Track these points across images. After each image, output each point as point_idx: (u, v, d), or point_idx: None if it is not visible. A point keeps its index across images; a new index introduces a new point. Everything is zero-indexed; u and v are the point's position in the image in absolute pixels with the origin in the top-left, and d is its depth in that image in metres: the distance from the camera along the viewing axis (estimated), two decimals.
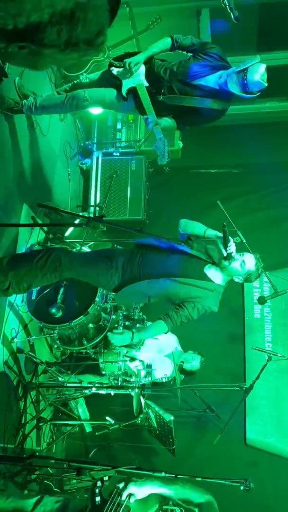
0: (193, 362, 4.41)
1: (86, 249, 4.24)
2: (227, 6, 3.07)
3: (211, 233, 3.26)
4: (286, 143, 5.61)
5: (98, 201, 5.31)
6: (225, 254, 3.15)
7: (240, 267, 3.19)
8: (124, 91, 3.50)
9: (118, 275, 3.29)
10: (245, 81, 3.15)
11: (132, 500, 2.48)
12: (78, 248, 4.20)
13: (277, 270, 4.88)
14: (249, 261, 3.21)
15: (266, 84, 3.20)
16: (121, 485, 2.49)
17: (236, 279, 3.30)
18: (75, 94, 3.68)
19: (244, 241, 3.59)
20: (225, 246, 3.12)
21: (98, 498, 2.50)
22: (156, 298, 3.40)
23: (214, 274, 3.29)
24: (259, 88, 3.21)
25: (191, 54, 3.43)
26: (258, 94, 3.26)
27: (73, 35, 1.09)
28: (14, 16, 1.00)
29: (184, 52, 3.47)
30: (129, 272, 3.28)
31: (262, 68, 3.15)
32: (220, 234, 3.16)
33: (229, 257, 3.15)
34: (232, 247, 3.14)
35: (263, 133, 5.66)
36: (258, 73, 3.13)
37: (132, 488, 2.50)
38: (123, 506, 2.42)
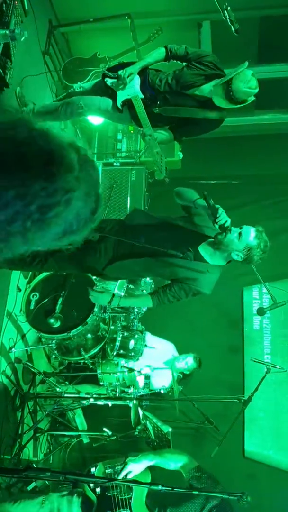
0: (188, 361, 4.35)
1: None
2: (228, 19, 3.08)
3: (202, 203, 2.95)
4: (286, 155, 5.63)
5: None
6: (216, 227, 2.83)
7: (238, 239, 2.82)
8: (119, 102, 3.46)
9: (107, 257, 3.08)
10: (231, 92, 3.07)
11: (130, 476, 2.67)
12: None
13: (277, 281, 4.87)
14: (248, 232, 2.85)
15: (254, 91, 3.08)
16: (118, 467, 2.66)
17: (235, 256, 2.90)
18: (69, 101, 3.68)
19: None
20: (214, 219, 2.81)
21: (98, 489, 2.79)
22: (146, 275, 3.25)
23: (208, 253, 2.99)
24: (249, 96, 3.09)
25: (185, 63, 3.38)
26: (253, 99, 3.14)
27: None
28: None
29: (179, 62, 3.41)
30: (119, 252, 3.08)
31: (248, 74, 3.05)
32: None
33: (223, 229, 2.83)
34: (223, 218, 2.81)
35: (263, 145, 5.69)
36: (243, 80, 3.03)
37: (130, 466, 2.71)
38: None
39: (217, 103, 3.20)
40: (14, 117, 0.96)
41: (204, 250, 3.00)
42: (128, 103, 3.44)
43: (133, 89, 3.39)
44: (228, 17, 3.06)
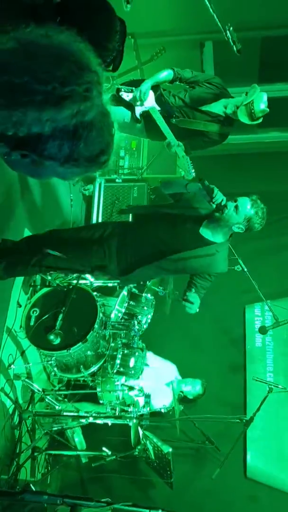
0: (196, 387, 4.36)
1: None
2: (230, 39, 3.12)
3: (193, 188, 3.17)
4: (287, 172, 5.66)
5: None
6: (213, 206, 2.99)
7: (235, 212, 2.97)
8: (138, 113, 3.66)
9: (114, 263, 3.19)
10: (252, 110, 3.42)
11: None
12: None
13: (279, 299, 4.84)
14: (244, 203, 3.00)
15: (268, 110, 3.48)
16: None
17: (236, 229, 3.05)
18: None
19: (245, 269, 3.56)
20: (211, 198, 2.98)
21: None
22: (162, 275, 3.38)
23: (212, 232, 3.12)
24: (263, 114, 3.49)
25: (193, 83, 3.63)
26: (261, 120, 3.53)
27: (74, 150, 1.10)
28: (14, 124, 1.01)
29: (182, 84, 3.66)
30: (124, 257, 3.19)
31: (265, 97, 3.46)
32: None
33: (220, 208, 2.98)
34: (219, 197, 2.99)
35: (266, 163, 5.71)
36: (263, 102, 3.44)
37: None
38: None
39: (242, 120, 3.52)
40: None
41: (205, 231, 3.12)
42: (145, 115, 3.64)
43: (150, 101, 3.60)
44: (230, 37, 3.09)
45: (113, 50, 1.83)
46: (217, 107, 3.59)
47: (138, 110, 3.64)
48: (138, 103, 3.59)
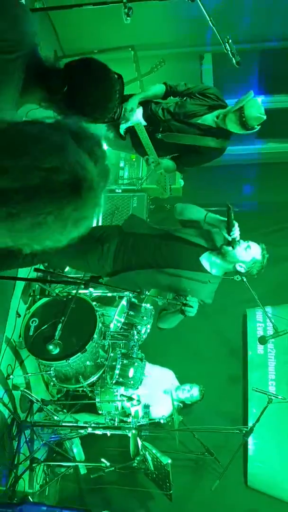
0: (194, 393, 4.33)
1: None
2: (229, 52, 3.14)
3: (213, 217, 3.10)
4: (286, 183, 5.68)
5: None
6: (229, 239, 2.95)
7: (245, 252, 2.99)
8: (122, 130, 3.48)
9: (109, 262, 3.13)
10: (244, 118, 3.17)
11: None
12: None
13: (279, 305, 4.84)
14: (255, 247, 3.02)
15: (265, 117, 3.21)
16: None
17: (239, 268, 3.04)
18: None
19: (244, 279, 3.56)
20: (229, 231, 2.93)
21: None
22: (147, 289, 3.31)
23: (212, 263, 3.10)
24: (259, 121, 3.22)
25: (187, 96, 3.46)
26: (258, 128, 3.27)
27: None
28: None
29: (177, 98, 3.49)
30: (121, 259, 3.14)
31: (258, 102, 3.19)
32: (223, 218, 2.98)
33: (233, 242, 2.95)
34: (236, 232, 2.95)
35: (264, 173, 5.74)
36: (255, 107, 3.17)
37: None
38: None
39: (231, 129, 3.30)
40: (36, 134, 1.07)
41: (206, 260, 3.10)
42: (130, 131, 3.46)
43: (135, 117, 3.40)
44: (229, 49, 3.12)
45: (114, 107, 1.96)
46: (209, 119, 3.37)
47: (122, 127, 3.42)
48: (123, 121, 3.37)
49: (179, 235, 3.18)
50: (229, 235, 2.93)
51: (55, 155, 1.04)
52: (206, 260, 3.11)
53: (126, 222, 3.40)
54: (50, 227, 1.04)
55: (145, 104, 3.44)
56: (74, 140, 1.09)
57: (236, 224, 2.95)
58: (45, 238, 1.07)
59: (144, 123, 3.38)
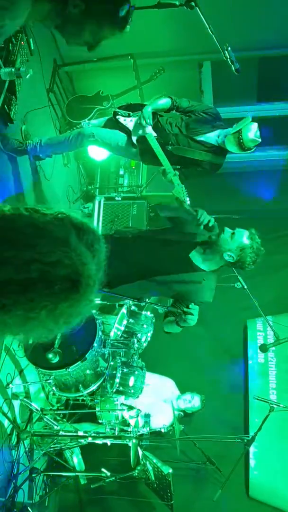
0: (194, 401, 4.31)
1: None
2: (228, 59, 3.17)
3: (182, 212, 3.16)
4: (286, 190, 5.69)
5: None
6: (201, 228, 2.97)
7: (230, 238, 2.94)
8: (134, 138, 3.64)
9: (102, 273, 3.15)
10: (241, 140, 3.39)
11: None
12: None
13: (280, 314, 4.81)
14: (241, 233, 2.97)
15: (260, 140, 3.44)
16: None
17: (227, 257, 2.98)
18: (81, 131, 3.81)
19: (245, 286, 3.55)
20: (196, 220, 2.95)
21: None
22: (146, 296, 3.27)
23: (203, 258, 3.08)
24: (254, 144, 3.46)
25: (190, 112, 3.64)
26: (254, 149, 3.51)
27: None
28: None
29: (177, 113, 3.66)
30: (113, 269, 3.13)
31: (255, 126, 3.42)
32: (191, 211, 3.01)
33: (209, 229, 2.96)
34: (203, 217, 2.95)
35: (264, 181, 5.74)
36: (252, 131, 3.39)
37: None
38: None
39: (229, 149, 3.53)
40: (36, 224, 1.05)
41: (195, 257, 3.08)
42: (141, 140, 3.61)
43: (148, 128, 3.58)
44: (228, 57, 3.15)
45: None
46: (211, 138, 3.59)
47: (135, 135, 3.62)
48: (141, 131, 3.57)
49: (166, 236, 3.18)
50: (198, 224, 2.98)
51: (57, 250, 1.02)
52: (197, 256, 3.09)
53: (118, 232, 3.48)
54: (42, 322, 1.01)
55: (153, 115, 3.60)
56: (76, 234, 1.07)
57: (202, 211, 2.99)
58: (33, 332, 1.04)
59: (154, 134, 3.57)
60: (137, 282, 3.10)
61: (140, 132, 3.58)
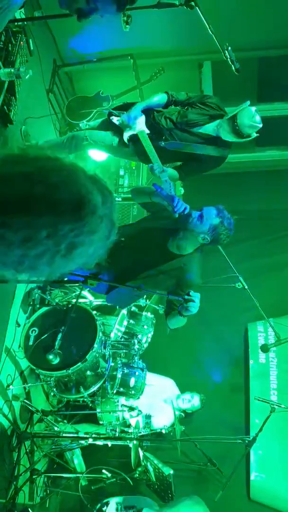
0: (193, 401, 4.30)
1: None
2: (229, 59, 3.15)
3: (157, 198, 3.06)
4: (286, 190, 5.67)
5: None
6: (176, 216, 2.90)
7: (199, 222, 2.88)
8: (125, 138, 3.53)
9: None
10: (237, 126, 3.19)
11: None
12: (77, 293, 4.16)
13: (280, 317, 4.80)
14: (209, 212, 2.89)
15: (259, 125, 3.22)
16: None
17: (202, 240, 2.94)
18: (74, 134, 3.78)
19: (246, 287, 3.54)
20: (172, 207, 2.89)
21: None
22: (140, 294, 3.18)
23: (178, 245, 3.03)
24: (254, 130, 3.23)
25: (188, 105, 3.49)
26: (256, 135, 3.28)
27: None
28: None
29: (178, 107, 3.52)
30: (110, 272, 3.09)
31: (252, 110, 3.21)
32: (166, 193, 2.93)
33: (183, 216, 2.89)
34: (179, 204, 2.88)
35: (264, 181, 5.73)
36: (248, 115, 3.18)
37: None
38: None
39: (224, 138, 3.34)
40: (46, 156, 1.07)
41: (171, 245, 3.04)
42: (133, 139, 3.49)
43: (139, 125, 3.44)
44: (228, 56, 3.13)
45: None
46: (210, 129, 3.41)
47: (126, 134, 3.49)
48: (127, 129, 3.44)
49: (142, 226, 3.16)
50: (174, 211, 2.90)
51: (63, 174, 1.04)
52: (172, 244, 3.04)
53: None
54: (43, 244, 1.01)
55: (147, 112, 3.48)
56: (86, 176, 1.09)
57: (178, 198, 2.91)
58: (37, 257, 1.03)
59: (147, 131, 3.42)
60: (136, 280, 3.06)
61: (131, 130, 3.45)
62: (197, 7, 2.91)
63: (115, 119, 3.55)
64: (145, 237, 3.14)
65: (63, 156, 1.09)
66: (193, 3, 2.90)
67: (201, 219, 2.88)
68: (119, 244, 3.14)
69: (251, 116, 3.18)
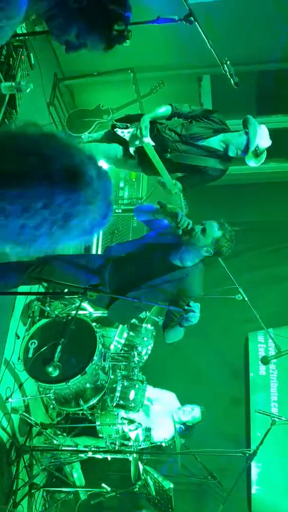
0: (194, 412, 4.27)
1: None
2: (227, 73, 3.18)
3: (160, 215, 3.14)
4: (286, 202, 5.69)
5: None
6: (180, 232, 2.96)
7: (202, 235, 2.97)
8: (132, 149, 3.58)
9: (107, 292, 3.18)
10: (258, 151, 3.39)
11: None
12: (76, 304, 4.16)
13: (281, 327, 4.79)
14: (211, 226, 2.99)
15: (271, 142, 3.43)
16: None
17: (205, 253, 3.03)
18: None
19: (246, 298, 3.54)
20: (176, 223, 2.95)
21: None
22: (143, 306, 3.31)
23: (180, 258, 3.09)
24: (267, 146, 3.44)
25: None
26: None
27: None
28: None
29: (180, 119, 3.58)
30: (113, 287, 3.18)
31: (265, 132, 3.40)
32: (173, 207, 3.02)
33: (188, 232, 2.96)
34: (183, 220, 2.94)
35: (264, 193, 5.75)
36: (265, 138, 3.41)
37: None
38: None
39: (231, 155, 3.46)
40: (42, 132, 1.11)
41: (174, 258, 3.10)
42: (139, 150, 3.54)
43: (147, 138, 3.50)
44: (227, 70, 3.16)
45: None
46: (215, 142, 3.50)
47: (132, 146, 3.54)
48: (137, 141, 3.50)
49: (144, 242, 3.23)
50: (178, 227, 2.96)
51: (58, 148, 1.07)
52: (174, 257, 3.11)
53: (105, 251, 3.48)
54: (40, 214, 1.04)
55: (151, 124, 3.54)
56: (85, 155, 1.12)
57: (182, 214, 2.97)
58: (36, 228, 1.06)
59: (152, 143, 3.49)
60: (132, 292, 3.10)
61: (137, 142, 3.51)
62: (196, 22, 2.95)
63: (119, 131, 3.59)
64: (147, 252, 3.19)
65: (59, 133, 1.13)
66: (192, 19, 2.93)
67: (204, 233, 2.96)
68: (122, 259, 3.20)
69: (268, 137, 3.41)
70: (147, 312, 4.24)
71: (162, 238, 3.19)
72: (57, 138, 1.11)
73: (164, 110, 3.53)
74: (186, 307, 2.78)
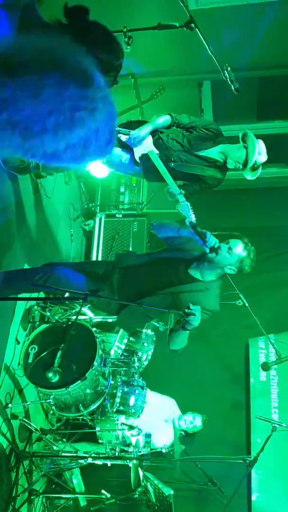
0: (195, 422, 4.26)
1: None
2: (228, 79, 3.20)
3: (186, 232, 3.19)
4: (286, 208, 5.69)
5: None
6: (207, 251, 3.02)
7: (229, 254, 3.04)
8: (137, 156, 3.62)
9: (115, 300, 3.25)
10: (255, 165, 3.49)
11: None
12: (76, 310, 4.15)
13: (281, 333, 4.78)
14: (237, 246, 3.06)
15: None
16: None
17: (229, 271, 3.12)
18: None
19: (246, 304, 3.54)
20: (204, 242, 3.00)
21: None
22: (153, 314, 3.35)
23: (202, 273, 3.16)
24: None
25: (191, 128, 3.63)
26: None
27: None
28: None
29: (178, 129, 3.65)
30: (124, 294, 3.23)
31: (262, 147, 3.47)
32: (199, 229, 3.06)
33: (213, 250, 3.02)
34: (212, 240, 3.01)
35: (264, 198, 5.76)
36: (262, 154, 3.47)
37: None
38: None
39: (230, 166, 3.56)
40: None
41: (194, 272, 3.17)
42: (145, 157, 3.60)
43: (150, 147, 3.58)
44: (228, 76, 3.17)
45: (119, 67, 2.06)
46: (214, 153, 3.59)
47: (138, 153, 3.60)
48: (142, 149, 3.57)
49: (163, 256, 3.29)
50: (205, 245, 3.01)
51: (74, 56, 1.11)
52: (195, 271, 3.17)
53: (116, 258, 3.54)
54: (49, 101, 1.04)
55: (152, 133, 3.61)
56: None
57: (209, 234, 3.03)
58: (46, 116, 1.05)
59: (156, 151, 3.56)
60: (145, 298, 3.16)
61: (142, 150, 3.58)
62: (196, 29, 2.96)
63: (123, 137, 3.61)
64: (164, 264, 3.26)
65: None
66: (192, 25, 2.95)
67: (229, 251, 3.03)
68: (136, 267, 3.23)
69: (264, 152, 3.47)
70: (159, 322, 4.23)
71: (182, 253, 3.25)
72: (77, 50, 1.13)
73: (163, 120, 3.59)
74: (186, 310, 2.80)
